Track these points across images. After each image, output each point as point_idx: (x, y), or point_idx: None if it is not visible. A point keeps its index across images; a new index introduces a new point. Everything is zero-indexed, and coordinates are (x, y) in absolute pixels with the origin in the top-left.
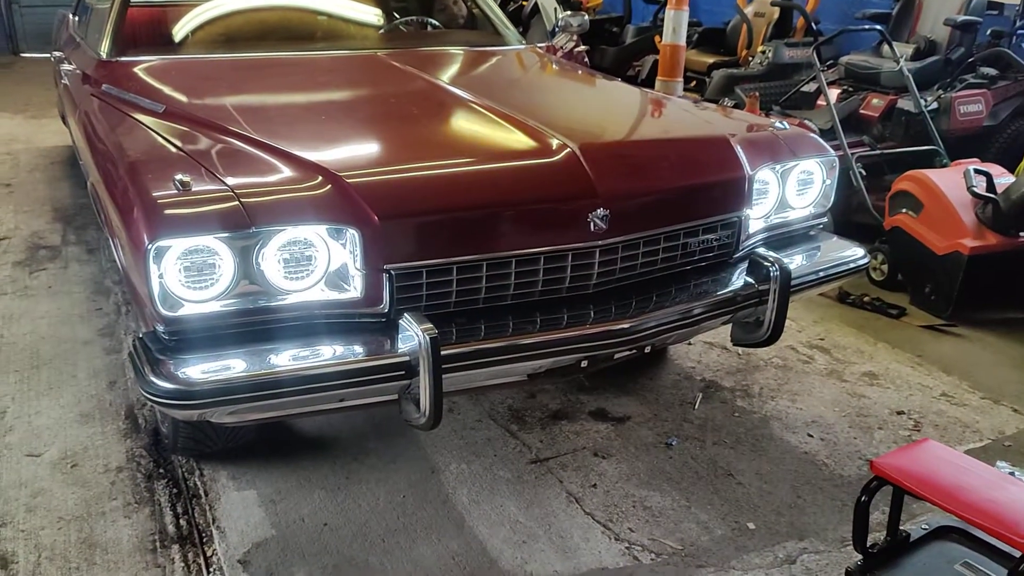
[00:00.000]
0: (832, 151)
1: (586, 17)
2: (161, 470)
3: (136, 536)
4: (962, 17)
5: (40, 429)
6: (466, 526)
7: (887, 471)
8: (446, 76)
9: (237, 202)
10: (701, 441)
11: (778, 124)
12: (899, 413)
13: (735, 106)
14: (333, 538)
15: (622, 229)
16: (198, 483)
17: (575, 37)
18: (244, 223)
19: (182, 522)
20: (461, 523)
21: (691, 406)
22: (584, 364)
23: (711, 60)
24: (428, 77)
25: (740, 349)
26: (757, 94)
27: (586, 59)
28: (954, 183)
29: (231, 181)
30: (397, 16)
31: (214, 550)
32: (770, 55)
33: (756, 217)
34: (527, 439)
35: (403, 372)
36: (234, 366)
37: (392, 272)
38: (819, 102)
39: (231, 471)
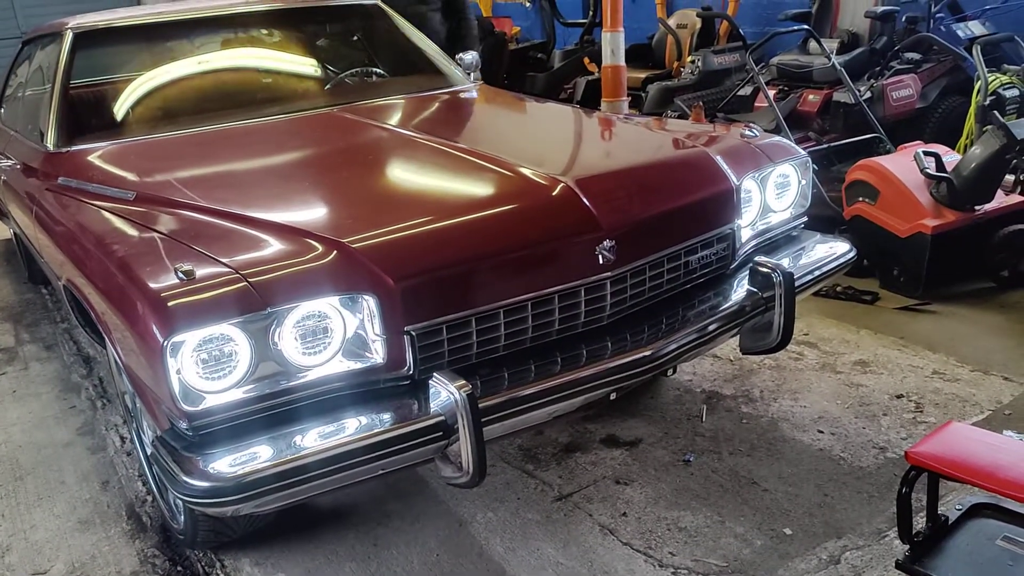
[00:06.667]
0: (804, 152)
1: (475, 54)
2: (179, 568)
3: None
4: (881, 8)
5: (40, 544)
6: None
7: (924, 460)
8: (412, 125)
9: (246, 283)
10: (717, 453)
11: (747, 132)
12: (898, 397)
13: (679, 117)
14: None
15: (629, 257)
16: None
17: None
18: (257, 304)
19: None
20: (503, 574)
21: (698, 419)
22: (613, 396)
23: (644, 75)
24: (396, 129)
25: (733, 356)
26: (702, 104)
27: None
28: (905, 167)
29: (233, 263)
30: (334, 70)
31: None
32: (700, 64)
33: (744, 226)
34: (545, 477)
35: (440, 433)
36: (263, 454)
37: (413, 333)
38: (757, 104)
39: (253, 557)
